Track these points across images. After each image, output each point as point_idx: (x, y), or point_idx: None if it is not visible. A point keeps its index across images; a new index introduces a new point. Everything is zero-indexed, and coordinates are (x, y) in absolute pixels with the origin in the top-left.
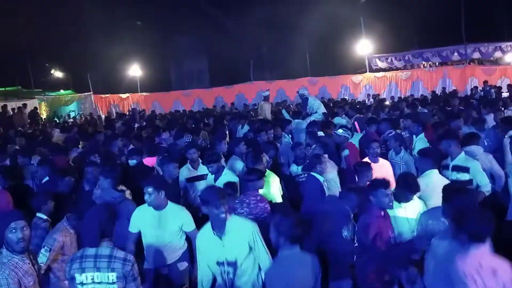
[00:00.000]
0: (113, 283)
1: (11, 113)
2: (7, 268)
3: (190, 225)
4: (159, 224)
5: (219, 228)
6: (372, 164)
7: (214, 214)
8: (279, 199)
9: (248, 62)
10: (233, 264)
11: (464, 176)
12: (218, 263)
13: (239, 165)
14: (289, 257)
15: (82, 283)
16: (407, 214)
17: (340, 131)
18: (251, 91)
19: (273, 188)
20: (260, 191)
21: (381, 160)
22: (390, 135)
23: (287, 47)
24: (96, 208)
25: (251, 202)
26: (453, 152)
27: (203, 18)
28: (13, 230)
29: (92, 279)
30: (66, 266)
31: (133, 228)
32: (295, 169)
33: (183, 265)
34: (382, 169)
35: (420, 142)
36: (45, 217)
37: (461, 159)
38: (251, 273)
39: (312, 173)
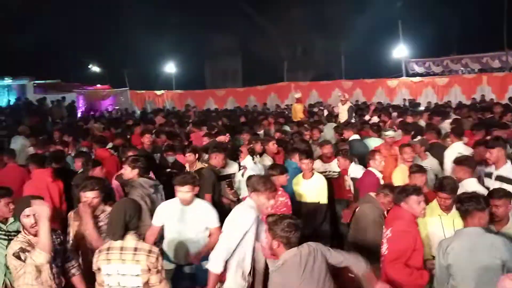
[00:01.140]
0: (138, 275)
1: (50, 105)
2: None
3: (214, 222)
4: (183, 219)
5: None
6: None
7: (262, 204)
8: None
9: (282, 62)
10: None
11: (509, 188)
12: None
13: (267, 162)
14: None
15: (108, 274)
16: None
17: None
18: (284, 92)
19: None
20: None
21: None
22: None
23: (323, 48)
24: (123, 201)
25: None
26: (500, 161)
27: (240, 18)
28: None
29: (117, 270)
30: (94, 257)
31: (156, 221)
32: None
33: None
34: None
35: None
36: None
37: (507, 169)
38: None
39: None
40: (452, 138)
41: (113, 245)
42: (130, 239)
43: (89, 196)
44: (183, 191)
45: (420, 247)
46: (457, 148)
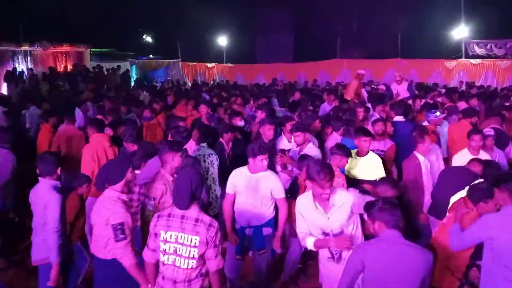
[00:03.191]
0: (195, 246)
1: (106, 73)
2: None
3: (279, 193)
4: (253, 187)
5: (323, 204)
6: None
7: (318, 192)
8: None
9: (335, 38)
10: (340, 234)
11: None
12: (324, 233)
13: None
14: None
15: (166, 241)
16: None
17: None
18: (336, 69)
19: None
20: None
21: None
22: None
23: (378, 25)
24: (188, 171)
25: None
26: None
27: None
28: None
29: (176, 238)
30: (152, 221)
31: (229, 189)
32: None
33: (268, 231)
34: None
35: None
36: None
37: None
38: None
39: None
40: None
41: (174, 212)
42: (193, 209)
43: None
44: (261, 159)
45: None
46: None
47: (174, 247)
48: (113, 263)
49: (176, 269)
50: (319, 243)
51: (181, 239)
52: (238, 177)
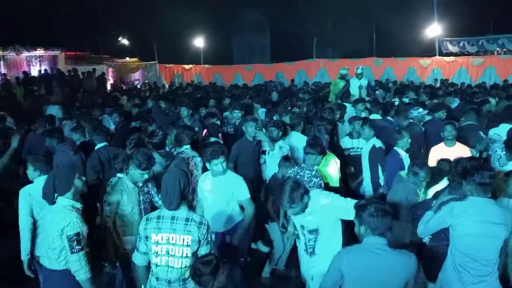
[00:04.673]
0: (188, 245)
1: (81, 77)
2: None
3: (242, 194)
4: (215, 190)
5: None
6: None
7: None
8: (335, 182)
9: (311, 38)
10: (315, 232)
11: None
12: (302, 227)
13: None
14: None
15: (157, 242)
16: None
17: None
18: (313, 69)
19: (330, 169)
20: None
21: (458, 144)
22: None
23: (353, 25)
24: (175, 172)
25: (305, 175)
26: None
27: None
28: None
29: (168, 239)
30: (141, 224)
31: (199, 194)
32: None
33: (240, 233)
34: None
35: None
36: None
37: None
38: (331, 241)
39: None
40: None
41: (163, 214)
42: (183, 209)
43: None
44: (216, 164)
45: None
46: None
47: (166, 248)
48: (63, 274)
49: (169, 269)
50: None
51: (173, 239)
52: (205, 181)
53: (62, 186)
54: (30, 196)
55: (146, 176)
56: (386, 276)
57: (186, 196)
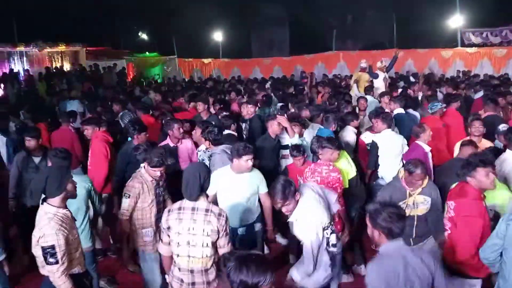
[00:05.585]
0: (208, 235)
1: (102, 72)
2: None
3: (264, 187)
4: (237, 186)
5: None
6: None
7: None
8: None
9: (331, 31)
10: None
11: None
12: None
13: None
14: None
15: (178, 233)
16: None
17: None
18: (332, 61)
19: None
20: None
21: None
22: None
23: (373, 17)
24: (195, 165)
25: (323, 171)
26: None
27: None
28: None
29: (188, 229)
30: (164, 215)
31: (213, 189)
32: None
33: (258, 226)
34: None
35: None
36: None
37: None
38: None
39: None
40: None
41: (184, 205)
42: (202, 201)
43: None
44: (246, 160)
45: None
46: None
47: (187, 239)
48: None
49: (191, 259)
50: None
51: (193, 230)
52: (224, 178)
53: (53, 187)
54: None
55: (158, 174)
56: (417, 277)
57: (205, 188)
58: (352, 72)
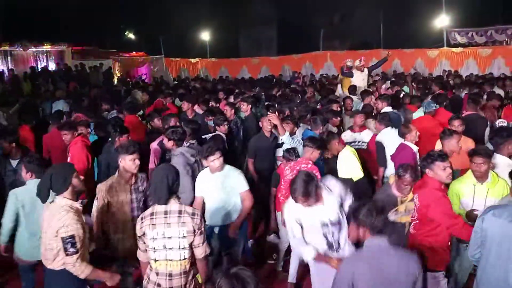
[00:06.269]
0: (184, 237)
1: (88, 71)
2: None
3: (242, 186)
4: (216, 186)
5: None
6: None
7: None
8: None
9: (318, 31)
10: (336, 224)
11: None
12: (324, 225)
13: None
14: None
15: (153, 239)
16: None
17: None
18: (320, 61)
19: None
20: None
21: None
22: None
23: (360, 17)
24: (163, 167)
25: (302, 169)
26: None
27: None
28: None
29: (163, 234)
30: (137, 223)
31: (198, 192)
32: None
33: (235, 224)
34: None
35: None
36: None
37: None
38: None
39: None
40: None
41: (156, 210)
42: (174, 203)
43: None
44: (212, 160)
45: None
46: None
47: (163, 243)
48: (62, 273)
49: (169, 263)
50: (320, 258)
51: (168, 233)
52: (203, 180)
53: (58, 184)
54: (17, 200)
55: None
56: (396, 277)
57: (175, 190)
58: (339, 71)
